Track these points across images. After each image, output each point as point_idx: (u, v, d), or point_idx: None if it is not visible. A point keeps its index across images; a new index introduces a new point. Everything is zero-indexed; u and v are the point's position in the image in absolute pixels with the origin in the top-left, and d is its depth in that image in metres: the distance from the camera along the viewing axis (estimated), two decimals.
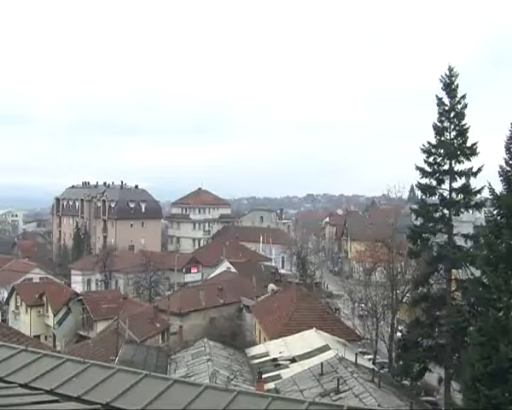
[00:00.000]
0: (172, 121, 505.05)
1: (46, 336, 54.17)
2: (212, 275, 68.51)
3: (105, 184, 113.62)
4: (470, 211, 34.29)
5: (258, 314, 44.07)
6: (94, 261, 74.24)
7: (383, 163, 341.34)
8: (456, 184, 33.16)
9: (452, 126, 33.01)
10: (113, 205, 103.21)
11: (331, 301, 61.83)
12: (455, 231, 33.46)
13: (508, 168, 24.49)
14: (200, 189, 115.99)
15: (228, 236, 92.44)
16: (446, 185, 33.31)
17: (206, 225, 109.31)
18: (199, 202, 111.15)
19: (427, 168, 33.36)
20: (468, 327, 27.79)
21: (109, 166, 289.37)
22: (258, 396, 5.17)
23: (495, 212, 24.88)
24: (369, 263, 52.63)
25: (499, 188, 25.04)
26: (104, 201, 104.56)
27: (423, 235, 33.91)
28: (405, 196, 57.67)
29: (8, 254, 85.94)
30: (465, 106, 32.93)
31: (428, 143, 33.19)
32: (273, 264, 79.54)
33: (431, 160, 33.30)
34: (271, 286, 52.31)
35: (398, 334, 40.85)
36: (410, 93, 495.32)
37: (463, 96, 33.02)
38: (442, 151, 33.06)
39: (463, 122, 32.95)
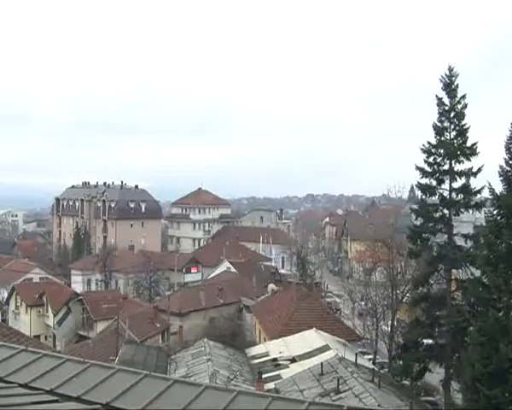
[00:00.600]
0: (172, 121, 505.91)
1: (46, 336, 54.16)
2: (212, 275, 68.49)
3: (105, 184, 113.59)
4: (470, 211, 34.23)
5: (258, 314, 44.07)
6: (94, 261, 74.23)
7: (383, 163, 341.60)
8: (456, 184, 33.12)
9: (452, 126, 32.97)
10: (113, 205, 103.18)
11: (333, 300, 61.82)
12: (455, 231, 33.43)
13: (508, 168, 24.48)
14: (200, 189, 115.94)
15: (228, 236, 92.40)
16: (446, 185, 33.27)
17: (206, 225, 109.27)
18: (199, 202, 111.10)
19: (427, 168, 33.32)
20: (468, 327, 27.79)
21: (109, 166, 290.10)
22: (258, 396, 5.17)
23: (495, 212, 24.87)
24: (369, 263, 52.59)
25: (499, 188, 25.05)
26: (104, 201, 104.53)
27: (423, 235, 33.87)
28: (405, 196, 57.58)
29: (8, 254, 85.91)
30: (465, 106, 32.89)
31: (428, 143, 33.16)
32: (273, 264, 79.51)
33: (431, 160, 33.26)
34: (271, 286, 52.29)
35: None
36: (410, 93, 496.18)
37: (463, 96, 32.98)
38: (442, 151, 33.02)
39: (463, 122, 32.91)
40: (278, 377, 28.03)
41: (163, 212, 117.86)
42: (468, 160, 32.73)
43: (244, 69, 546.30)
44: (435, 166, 33.24)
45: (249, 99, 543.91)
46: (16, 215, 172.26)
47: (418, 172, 33.33)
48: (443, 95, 33.05)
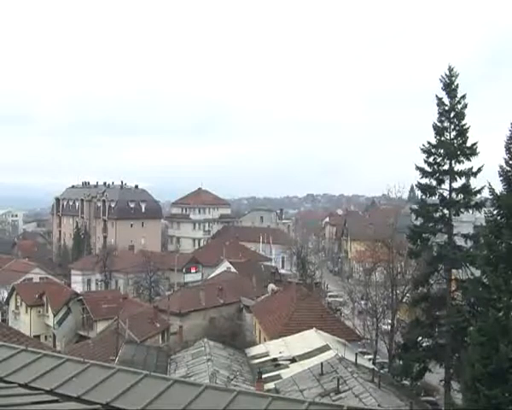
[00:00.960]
0: (172, 121, 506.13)
1: (46, 336, 54.15)
2: (212, 275, 68.47)
3: (105, 184, 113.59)
4: (470, 211, 34.25)
5: (258, 314, 44.06)
6: (94, 261, 74.21)
7: (383, 163, 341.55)
8: (456, 184, 33.15)
9: (452, 126, 32.99)
10: (113, 205, 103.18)
11: (333, 300, 61.85)
12: (455, 231, 33.44)
13: (508, 168, 24.50)
14: (200, 189, 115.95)
15: (228, 236, 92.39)
16: (446, 185, 33.30)
17: (206, 225, 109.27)
18: (199, 202, 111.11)
19: (427, 168, 33.34)
20: (468, 327, 27.80)
21: (109, 166, 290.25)
22: (258, 396, 5.17)
23: (495, 212, 24.88)
24: (369, 263, 52.58)
25: (499, 188, 25.07)
26: (104, 201, 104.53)
27: (423, 235, 33.88)
28: (405, 196, 57.57)
29: (8, 254, 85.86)
30: (465, 106, 32.91)
31: (428, 143, 33.18)
32: (273, 264, 79.47)
33: (431, 160, 33.28)
34: (271, 286, 52.24)
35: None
36: (410, 93, 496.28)
37: (463, 96, 33.00)
38: (442, 151, 33.04)
39: (463, 122, 32.93)
40: (278, 377, 28.02)
41: (163, 212, 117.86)
42: (468, 160, 32.75)
43: (244, 69, 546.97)
44: (435, 166, 33.26)
45: (249, 99, 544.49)
46: (16, 215, 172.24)
47: (418, 172, 33.37)
48: (443, 95, 33.09)
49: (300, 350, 31.02)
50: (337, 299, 61.48)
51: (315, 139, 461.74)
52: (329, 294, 66.16)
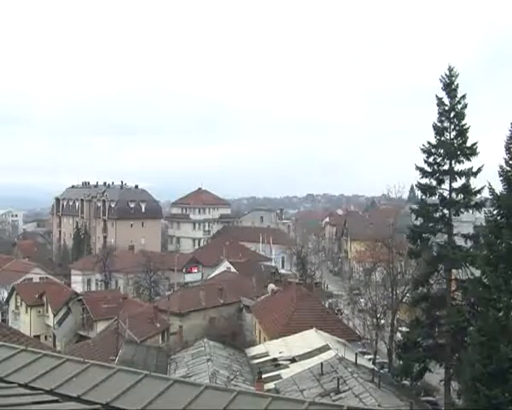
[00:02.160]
0: (172, 121, 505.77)
1: (46, 336, 54.19)
2: (212, 275, 68.54)
3: (105, 184, 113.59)
4: (470, 211, 34.27)
5: (258, 314, 44.08)
6: (94, 261, 74.21)
7: (383, 163, 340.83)
8: (456, 184, 33.18)
9: (452, 126, 33.01)
10: (113, 205, 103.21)
11: (334, 300, 61.86)
12: (455, 231, 33.45)
13: (508, 168, 24.53)
14: (200, 189, 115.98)
15: (228, 236, 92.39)
16: (446, 185, 33.33)
17: (206, 225, 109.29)
18: (199, 202, 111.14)
19: (427, 168, 33.37)
20: (468, 327, 27.84)
21: (109, 166, 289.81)
22: (258, 396, 5.16)
23: (495, 212, 24.93)
24: (369, 263, 52.61)
25: (499, 188, 25.10)
26: (104, 201, 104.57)
27: (423, 235, 33.90)
28: (405, 196, 57.70)
29: (8, 254, 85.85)
30: (465, 106, 32.93)
31: (428, 143, 33.21)
32: (273, 264, 79.52)
33: (431, 160, 33.31)
34: (271, 286, 52.27)
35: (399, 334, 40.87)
36: (411, 93, 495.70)
37: (463, 96, 33.03)
38: (442, 151, 33.07)
39: (463, 122, 32.95)
40: (278, 377, 28.05)
41: (163, 212, 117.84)
42: (468, 160, 32.78)
43: (244, 69, 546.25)
44: (435, 166, 33.29)
45: (249, 99, 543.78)
46: (16, 215, 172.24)
47: (418, 172, 33.41)
48: (443, 95, 33.11)
49: (300, 350, 31.02)
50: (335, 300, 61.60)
51: (315, 139, 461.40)
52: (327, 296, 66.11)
